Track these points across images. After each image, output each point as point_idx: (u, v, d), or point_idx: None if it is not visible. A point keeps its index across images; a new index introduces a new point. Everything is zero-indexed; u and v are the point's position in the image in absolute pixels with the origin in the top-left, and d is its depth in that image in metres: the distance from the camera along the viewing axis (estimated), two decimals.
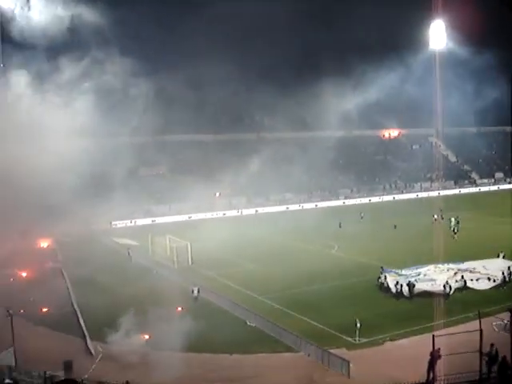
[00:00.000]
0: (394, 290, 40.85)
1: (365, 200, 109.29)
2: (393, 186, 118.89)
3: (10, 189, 40.64)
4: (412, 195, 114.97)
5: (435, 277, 42.37)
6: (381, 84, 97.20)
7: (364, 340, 31.92)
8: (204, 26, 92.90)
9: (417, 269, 44.85)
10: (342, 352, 29.80)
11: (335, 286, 43.94)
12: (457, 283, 41.08)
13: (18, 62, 47.45)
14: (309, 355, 30.44)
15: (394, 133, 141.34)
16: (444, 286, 39.74)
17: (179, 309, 38.85)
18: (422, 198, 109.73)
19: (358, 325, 31.83)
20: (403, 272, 44.17)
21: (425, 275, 42.98)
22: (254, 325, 35.84)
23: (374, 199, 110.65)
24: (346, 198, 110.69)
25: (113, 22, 58.27)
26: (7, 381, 21.26)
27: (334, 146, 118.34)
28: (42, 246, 62.93)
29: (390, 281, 41.97)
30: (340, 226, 72.65)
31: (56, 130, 43.63)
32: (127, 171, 54.27)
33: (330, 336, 33.04)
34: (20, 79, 46.24)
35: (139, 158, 63.62)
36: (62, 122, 44.25)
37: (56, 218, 57.76)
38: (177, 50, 77.74)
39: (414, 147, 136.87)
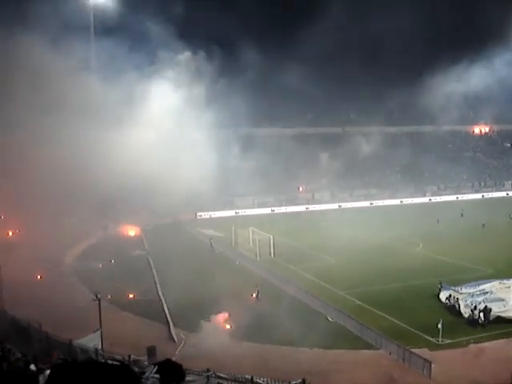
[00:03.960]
0: (466, 315, 35.11)
1: (452, 197, 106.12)
2: (482, 183, 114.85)
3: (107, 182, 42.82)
4: (502, 193, 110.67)
5: (503, 296, 36.58)
6: (472, 78, 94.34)
7: (447, 341, 31.28)
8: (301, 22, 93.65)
9: (479, 285, 38.74)
10: (423, 352, 29.32)
11: (417, 284, 43.08)
12: None
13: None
14: (390, 353, 30.16)
15: (484, 129, 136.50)
16: None
17: (260, 301, 39.42)
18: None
19: (440, 325, 31.14)
20: (463, 290, 38.22)
21: (491, 293, 37.07)
22: (334, 320, 35.80)
23: (462, 197, 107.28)
24: (432, 194, 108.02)
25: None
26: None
27: (421, 141, 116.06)
28: (129, 234, 65.14)
29: (463, 302, 36.23)
30: (438, 222, 70.52)
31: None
32: (214, 163, 55.27)
33: (411, 335, 32.61)
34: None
35: (224, 150, 64.60)
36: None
37: (144, 207, 59.74)
38: (267, 44, 78.32)
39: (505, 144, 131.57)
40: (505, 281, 39.24)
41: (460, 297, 37.11)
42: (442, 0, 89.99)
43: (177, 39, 55.61)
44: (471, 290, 38.02)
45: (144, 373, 3.66)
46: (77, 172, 45.71)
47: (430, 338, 31.69)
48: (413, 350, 29.29)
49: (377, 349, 31.09)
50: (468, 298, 36.62)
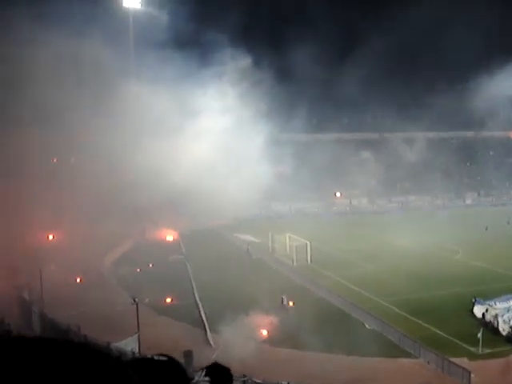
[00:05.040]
0: (505, 332, 33.54)
1: (492, 204, 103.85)
2: None
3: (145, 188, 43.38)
4: None
5: None
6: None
7: (487, 351, 30.71)
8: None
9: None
10: (462, 361, 28.90)
11: (457, 292, 42.28)
12: None
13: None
14: (428, 362, 29.76)
15: None
16: None
17: (296, 307, 39.28)
18: None
19: (480, 335, 30.53)
20: (498, 304, 35.95)
21: None
22: (372, 327, 35.46)
23: (503, 203, 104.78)
24: (473, 201, 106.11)
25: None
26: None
27: (460, 146, 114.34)
28: (167, 239, 65.50)
29: (501, 319, 34.22)
30: (486, 229, 69.81)
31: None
32: (252, 169, 55.32)
33: (450, 344, 32.17)
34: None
35: (262, 156, 64.61)
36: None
37: (183, 212, 60.10)
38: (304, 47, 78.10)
39: None
40: None
41: (497, 312, 35.07)
42: (483, 5, 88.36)
43: (232, 47, 56.37)
44: (506, 305, 36.02)
45: (193, 377, 3.68)
46: (117, 177, 46.29)
47: (470, 348, 31.19)
48: (452, 359, 28.85)
49: (415, 357, 30.72)
50: (504, 313, 34.70)
